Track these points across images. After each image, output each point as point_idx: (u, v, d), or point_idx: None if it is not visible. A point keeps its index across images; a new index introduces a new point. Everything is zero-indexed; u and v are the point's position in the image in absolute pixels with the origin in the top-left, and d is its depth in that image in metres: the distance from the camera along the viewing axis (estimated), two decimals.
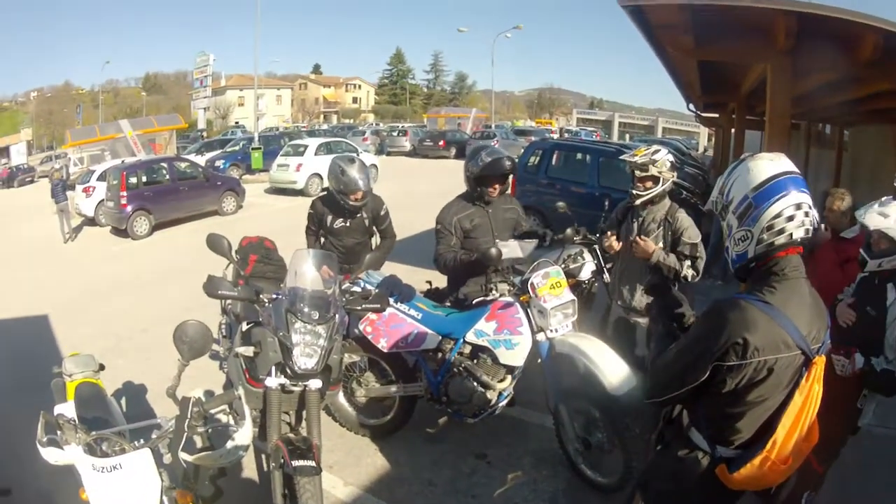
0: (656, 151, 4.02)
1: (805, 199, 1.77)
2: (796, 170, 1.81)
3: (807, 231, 1.78)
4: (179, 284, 8.68)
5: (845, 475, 3.40)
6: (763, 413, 1.83)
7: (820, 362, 1.78)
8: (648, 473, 2.24)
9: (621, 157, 4.08)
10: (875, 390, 2.96)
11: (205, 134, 37.77)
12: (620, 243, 4.15)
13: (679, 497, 2.03)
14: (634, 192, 4.02)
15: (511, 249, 3.93)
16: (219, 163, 22.56)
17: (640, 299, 4.15)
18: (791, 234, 1.76)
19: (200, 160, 20.78)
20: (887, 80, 6.02)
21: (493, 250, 3.68)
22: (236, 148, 25.63)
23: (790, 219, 1.75)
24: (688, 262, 3.87)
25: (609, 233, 4.21)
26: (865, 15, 4.91)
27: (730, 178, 1.87)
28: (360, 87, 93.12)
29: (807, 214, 1.76)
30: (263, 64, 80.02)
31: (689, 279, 3.84)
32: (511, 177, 4.30)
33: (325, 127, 55.54)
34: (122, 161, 16.38)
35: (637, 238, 3.93)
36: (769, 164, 1.80)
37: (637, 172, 3.97)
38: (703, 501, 2.01)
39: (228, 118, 66.67)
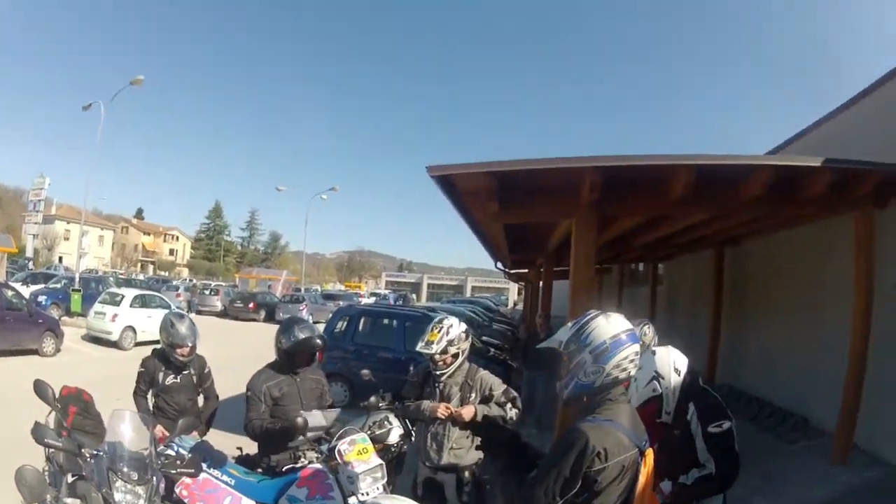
0: (449, 329, 4.12)
1: (637, 349, 2.37)
2: (632, 327, 2.41)
3: (635, 371, 2.38)
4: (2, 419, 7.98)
5: None
6: (621, 498, 2.27)
7: (649, 453, 2.34)
8: None
9: (417, 349, 4.22)
10: (703, 497, 3.14)
11: (32, 264, 35.01)
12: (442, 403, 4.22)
13: None
14: (437, 372, 4.15)
15: (315, 419, 4.11)
16: (41, 298, 20.93)
17: (447, 457, 4.28)
18: (629, 373, 2.33)
19: (25, 292, 19.27)
20: (699, 210, 6.37)
21: (300, 419, 3.81)
22: (58, 286, 24.07)
23: (630, 362, 2.30)
24: (509, 405, 4.02)
25: (432, 404, 4.20)
26: (672, 156, 5.19)
27: (587, 326, 2.35)
28: (178, 238, 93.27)
29: (633, 361, 2.34)
30: (92, 200, 77.04)
31: (514, 418, 4.02)
32: None
33: (141, 277, 54.14)
34: None
35: (453, 414, 3.97)
36: (620, 321, 2.37)
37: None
38: None
39: (54, 250, 62.56)
